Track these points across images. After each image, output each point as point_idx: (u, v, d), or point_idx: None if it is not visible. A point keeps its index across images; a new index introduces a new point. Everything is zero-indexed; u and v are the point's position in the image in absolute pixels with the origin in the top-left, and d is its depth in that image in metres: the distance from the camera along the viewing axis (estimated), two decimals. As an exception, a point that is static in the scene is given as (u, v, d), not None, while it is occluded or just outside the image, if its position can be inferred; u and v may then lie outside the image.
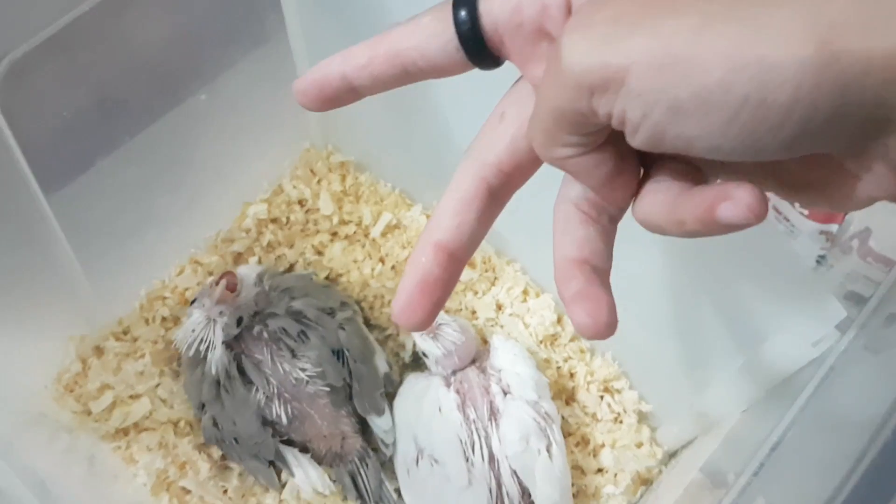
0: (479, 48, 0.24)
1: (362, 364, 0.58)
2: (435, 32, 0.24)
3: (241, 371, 0.56)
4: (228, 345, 0.56)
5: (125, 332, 0.63)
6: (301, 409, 0.56)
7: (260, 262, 0.66)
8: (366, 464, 0.58)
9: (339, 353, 0.58)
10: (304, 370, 0.56)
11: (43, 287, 0.56)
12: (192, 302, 0.58)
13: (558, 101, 0.21)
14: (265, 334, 0.57)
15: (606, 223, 0.25)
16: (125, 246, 0.60)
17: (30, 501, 0.38)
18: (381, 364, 0.60)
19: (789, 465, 0.37)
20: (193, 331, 0.56)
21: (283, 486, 0.58)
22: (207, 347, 0.55)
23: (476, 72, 0.26)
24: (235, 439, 0.55)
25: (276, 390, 0.56)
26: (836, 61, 0.17)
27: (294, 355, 0.57)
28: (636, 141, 0.20)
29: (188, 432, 0.59)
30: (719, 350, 0.51)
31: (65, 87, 0.50)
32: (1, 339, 0.54)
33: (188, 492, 0.57)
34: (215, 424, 0.56)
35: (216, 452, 0.59)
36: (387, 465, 0.59)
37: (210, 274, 0.64)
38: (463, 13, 0.24)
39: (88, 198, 0.55)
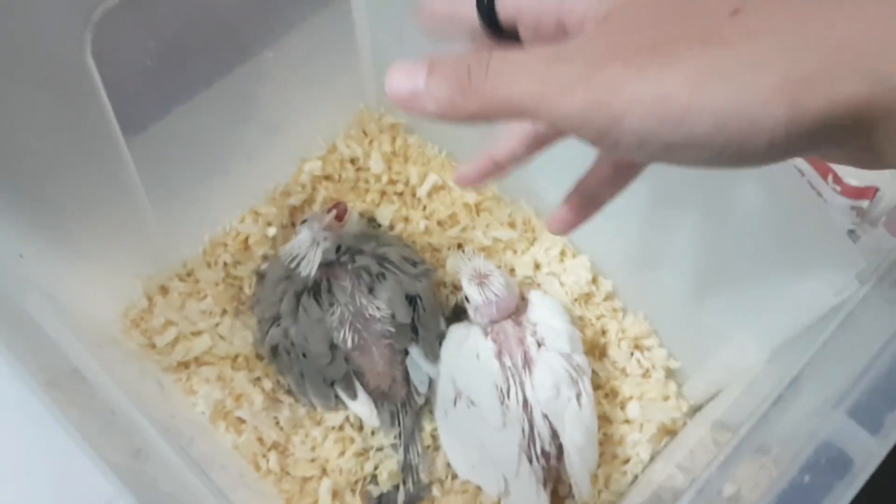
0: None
1: (430, 313, 0.62)
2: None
3: (322, 294, 0.61)
4: (318, 267, 0.61)
5: (189, 274, 0.67)
6: (366, 342, 0.61)
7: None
8: (405, 409, 0.62)
9: (411, 300, 0.62)
10: (378, 308, 0.61)
11: (117, 226, 0.59)
12: (303, 222, 0.63)
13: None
14: (350, 267, 0.62)
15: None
16: (193, 192, 0.64)
17: (123, 401, 0.42)
18: (442, 323, 0.64)
19: (799, 408, 0.40)
20: (300, 247, 0.61)
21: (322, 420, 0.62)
22: (303, 264, 0.61)
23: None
24: (304, 354, 0.60)
25: (349, 317, 0.61)
26: (804, 113, 0.21)
27: (371, 292, 0.61)
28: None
29: (244, 366, 0.64)
30: (747, 311, 0.54)
31: (148, 38, 0.53)
32: (77, 271, 0.57)
33: (243, 421, 0.61)
34: (286, 336, 0.60)
35: (268, 385, 0.63)
36: (420, 414, 0.63)
37: (269, 224, 0.69)
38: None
39: (163, 144, 0.58)
